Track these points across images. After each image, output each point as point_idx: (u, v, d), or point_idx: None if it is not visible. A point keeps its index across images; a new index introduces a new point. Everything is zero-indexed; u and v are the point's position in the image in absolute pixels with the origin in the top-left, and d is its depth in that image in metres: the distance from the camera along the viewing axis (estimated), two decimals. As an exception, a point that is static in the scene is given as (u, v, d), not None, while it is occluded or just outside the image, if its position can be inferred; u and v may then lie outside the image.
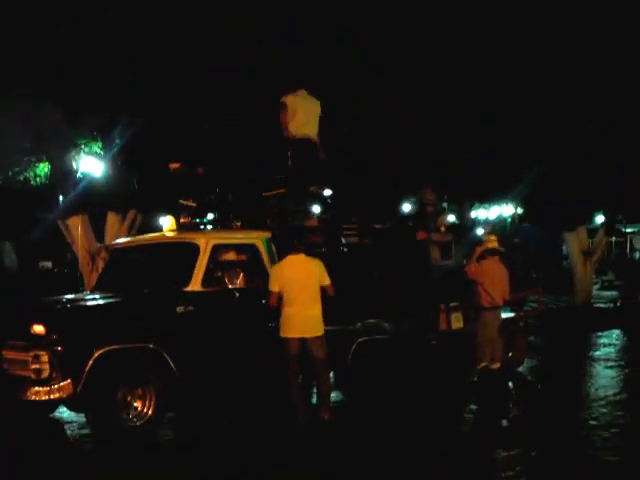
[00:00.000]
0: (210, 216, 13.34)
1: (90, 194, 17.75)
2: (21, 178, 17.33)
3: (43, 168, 17.41)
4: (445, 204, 28.64)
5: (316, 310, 10.90)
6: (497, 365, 13.81)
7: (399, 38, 18.60)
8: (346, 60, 17.65)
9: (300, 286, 10.80)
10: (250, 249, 11.68)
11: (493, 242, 13.85)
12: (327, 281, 10.99)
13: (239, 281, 11.50)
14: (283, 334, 10.84)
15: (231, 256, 11.60)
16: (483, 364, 13.64)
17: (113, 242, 14.84)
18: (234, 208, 13.00)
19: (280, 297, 10.84)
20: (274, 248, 11.70)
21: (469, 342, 13.91)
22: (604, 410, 11.94)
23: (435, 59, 19.25)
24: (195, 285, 10.87)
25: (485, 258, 13.71)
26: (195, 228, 12.64)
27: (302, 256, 11.03)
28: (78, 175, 17.32)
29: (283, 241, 11.37)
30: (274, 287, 10.84)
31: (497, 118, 21.08)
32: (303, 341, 10.83)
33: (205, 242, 11.19)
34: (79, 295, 13.02)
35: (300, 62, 15.91)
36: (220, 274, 11.32)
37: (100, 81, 15.70)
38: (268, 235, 11.79)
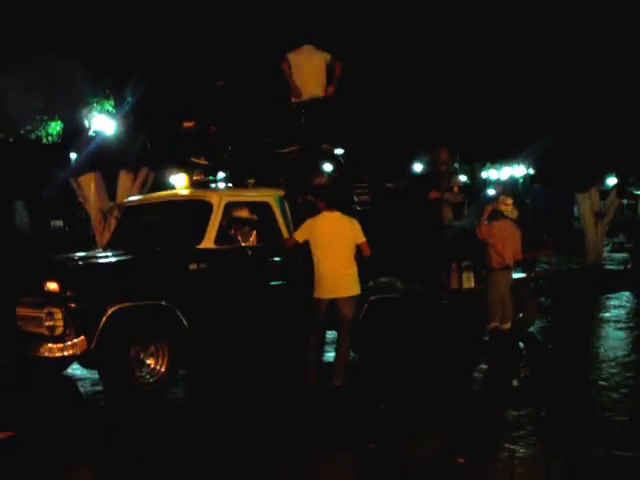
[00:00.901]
0: (222, 174, 13.35)
1: (102, 152, 17.75)
2: (33, 137, 17.33)
3: (55, 127, 17.41)
4: (457, 164, 28.52)
5: (351, 269, 10.77)
6: (508, 325, 13.90)
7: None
8: (358, 17, 17.58)
9: (334, 244, 10.67)
10: (263, 207, 11.65)
11: (508, 204, 13.87)
12: (362, 239, 10.82)
13: (252, 239, 11.49)
14: (315, 294, 10.74)
15: (244, 214, 11.57)
16: (493, 324, 13.71)
17: (125, 200, 14.83)
18: (247, 166, 12.99)
19: (297, 246, 10.82)
20: (287, 206, 11.68)
21: (480, 302, 13.98)
22: (613, 371, 11.94)
23: (449, 19, 19.17)
24: (208, 242, 10.87)
25: (497, 219, 13.73)
26: (208, 186, 12.64)
27: (337, 214, 10.87)
28: (90, 133, 17.30)
29: (326, 198, 11.17)
30: (299, 236, 10.81)
31: (510, 78, 20.98)
32: (333, 301, 10.74)
33: (218, 200, 11.17)
34: (92, 253, 13.04)
35: (310, 17, 15.86)
36: (233, 232, 11.31)
37: (112, 40, 15.65)
38: (281, 193, 11.76)
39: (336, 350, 11.16)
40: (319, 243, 10.69)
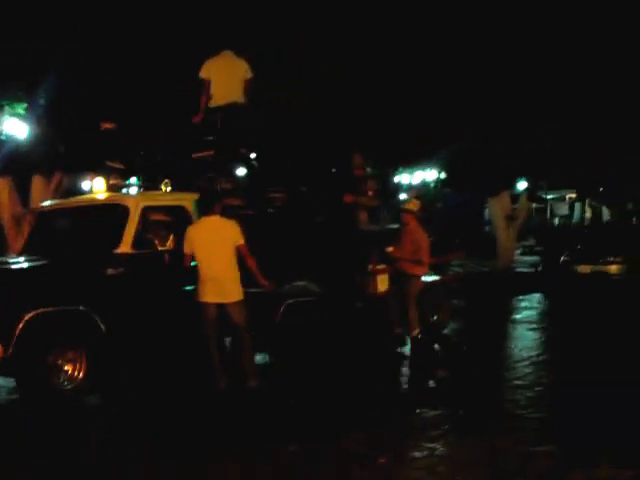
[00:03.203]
0: (133, 179, 13.29)
1: (14, 156, 17.46)
2: (-59, 141, 17.00)
3: (-35, 131, 17.08)
4: (369, 169, 28.70)
5: (232, 273, 10.73)
6: (416, 332, 14.00)
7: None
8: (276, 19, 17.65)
9: (213, 248, 10.62)
10: (180, 211, 11.62)
11: (414, 205, 14.02)
12: (241, 241, 10.71)
13: (169, 243, 11.43)
14: (200, 298, 10.72)
15: (161, 218, 11.53)
16: (416, 331, 13.86)
17: (40, 205, 14.64)
18: (163, 170, 12.95)
19: (192, 259, 10.75)
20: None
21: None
22: (528, 370, 12.19)
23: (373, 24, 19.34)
24: (125, 247, 10.81)
25: (403, 226, 13.88)
26: (124, 190, 12.56)
27: (216, 217, 10.84)
28: (1, 137, 17.00)
29: (201, 204, 11.26)
30: (186, 249, 10.72)
31: (421, 82, 21.19)
32: (221, 306, 10.73)
33: (135, 204, 11.14)
34: (7, 258, 12.87)
35: (228, 20, 15.87)
36: (150, 236, 11.25)
37: (24, 40, 15.44)
38: (197, 197, 11.74)
39: (239, 354, 11.09)
40: (200, 247, 10.67)
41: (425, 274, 14.12)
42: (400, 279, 14.00)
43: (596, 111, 22.93)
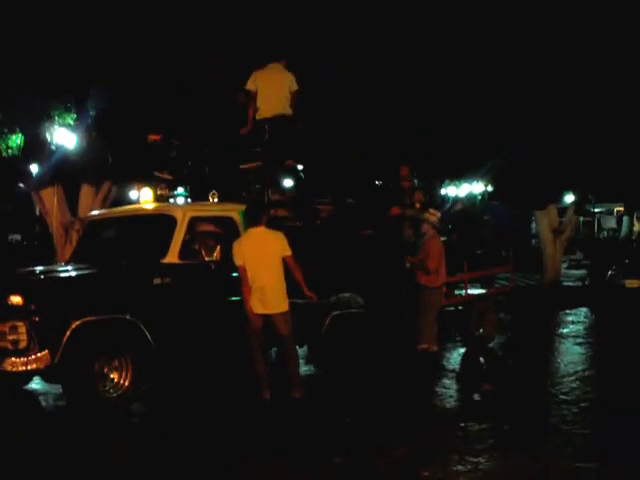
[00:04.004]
0: (181, 189, 13.39)
1: (64, 166, 17.65)
2: (-8, 150, 17.23)
3: (15, 140, 17.29)
4: (416, 181, 28.67)
5: (278, 284, 10.74)
6: (435, 348, 13.89)
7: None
8: (326, 34, 17.69)
9: (260, 260, 10.64)
10: (227, 222, 11.70)
11: (433, 215, 13.90)
12: (288, 252, 10.74)
13: (216, 254, 11.49)
14: (247, 309, 10.72)
15: (208, 228, 11.60)
16: (423, 346, 13.67)
17: (88, 214, 14.78)
18: (211, 181, 13.03)
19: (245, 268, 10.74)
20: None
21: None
22: (574, 385, 12.09)
23: (408, 34, 19.32)
24: (172, 257, 10.91)
25: (424, 238, 13.76)
26: (172, 200, 12.66)
27: (262, 229, 10.89)
28: (52, 147, 17.20)
29: (248, 215, 11.28)
30: (238, 261, 10.72)
31: (468, 95, 21.13)
32: (267, 317, 10.75)
33: (182, 214, 11.22)
34: (55, 267, 13.01)
35: (278, 34, 15.92)
36: (197, 247, 11.32)
37: (73, 52, 15.60)
38: (245, 208, 11.78)
39: (284, 364, 11.14)
40: (247, 260, 10.67)
41: (438, 287, 13.84)
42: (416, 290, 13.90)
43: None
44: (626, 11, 20.25)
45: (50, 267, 12.67)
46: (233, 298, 11.12)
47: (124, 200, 19.47)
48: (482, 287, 16.22)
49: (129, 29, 15.54)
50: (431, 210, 14.04)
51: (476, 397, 12.23)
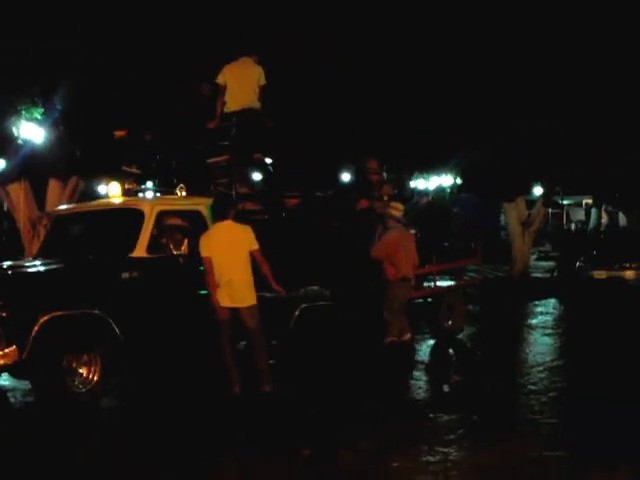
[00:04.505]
0: (149, 183, 13.35)
1: (31, 161, 17.53)
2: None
3: (-19, 135, 17.16)
4: (385, 174, 28.67)
5: (246, 278, 10.72)
6: (408, 336, 13.71)
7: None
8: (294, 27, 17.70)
9: (227, 253, 10.61)
10: (195, 215, 11.67)
11: (396, 209, 13.76)
12: (255, 246, 10.71)
13: (184, 247, 11.47)
14: (214, 302, 10.70)
15: (176, 222, 11.56)
16: (391, 338, 13.47)
17: (55, 209, 14.70)
18: (178, 175, 12.99)
19: (210, 261, 10.69)
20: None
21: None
22: (542, 375, 12.16)
23: (378, 27, 19.34)
24: (140, 251, 10.88)
25: (386, 230, 13.63)
26: (140, 194, 12.62)
27: (230, 222, 10.85)
28: (18, 141, 17.07)
29: (215, 208, 11.25)
30: (204, 252, 10.67)
31: (436, 88, 21.17)
32: (235, 310, 10.74)
33: (150, 208, 11.20)
34: (22, 262, 12.94)
35: (248, 29, 15.91)
36: (165, 240, 11.31)
37: (40, 45, 15.50)
38: (212, 202, 11.75)
39: (253, 358, 11.10)
40: (215, 253, 10.64)
41: (401, 280, 13.51)
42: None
43: (610, 114, 22.83)
44: (625, 11, 20.39)
45: (17, 262, 12.60)
46: (201, 292, 11.04)
47: (92, 194, 19.38)
48: (451, 279, 16.28)
49: (94, 16, 15.45)
50: (393, 204, 13.92)
51: (445, 388, 12.32)
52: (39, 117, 16.83)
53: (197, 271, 11.03)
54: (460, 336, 15.84)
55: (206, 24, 16.61)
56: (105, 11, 15.53)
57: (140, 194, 12.70)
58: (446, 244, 16.30)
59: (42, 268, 11.19)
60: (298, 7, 17.87)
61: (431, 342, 15.34)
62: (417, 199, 20.29)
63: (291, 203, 13.85)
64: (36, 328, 9.64)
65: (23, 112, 16.68)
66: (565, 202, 42.61)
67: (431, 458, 8.11)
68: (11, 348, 9.60)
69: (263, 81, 13.20)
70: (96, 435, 9.44)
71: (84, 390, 10.23)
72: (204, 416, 10.07)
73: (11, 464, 8.39)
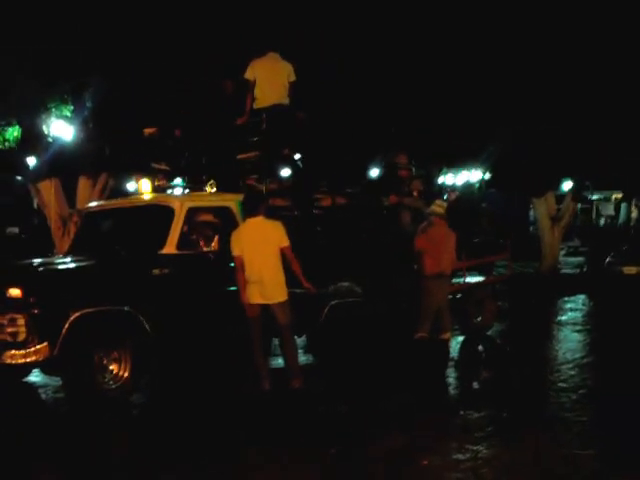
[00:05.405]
0: (178, 180, 13.38)
1: (61, 158, 17.63)
2: (-11, 143, 17.20)
3: (12, 132, 17.26)
4: (414, 169, 28.61)
5: (276, 274, 10.71)
6: (448, 335, 13.65)
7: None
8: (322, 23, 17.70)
9: (258, 250, 10.59)
10: (225, 212, 11.68)
11: (440, 207, 13.68)
12: (286, 242, 10.68)
13: (214, 244, 11.52)
14: (244, 299, 10.70)
15: (206, 219, 11.60)
16: (421, 334, 13.33)
17: (86, 206, 14.77)
18: (208, 171, 13.01)
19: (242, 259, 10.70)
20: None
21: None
22: (572, 372, 12.12)
23: (405, 22, 19.32)
24: (170, 248, 10.88)
25: (431, 225, 13.54)
26: (170, 191, 12.65)
27: (260, 219, 10.82)
28: (49, 139, 17.18)
29: (245, 205, 11.25)
30: (236, 251, 10.67)
31: (465, 83, 21.11)
32: (266, 307, 10.73)
33: (180, 205, 11.19)
34: (53, 259, 13.00)
35: (275, 24, 15.91)
36: (195, 237, 11.36)
37: (71, 44, 15.57)
38: (242, 198, 11.76)
39: (283, 354, 11.20)
40: (245, 250, 10.64)
41: (434, 275, 13.31)
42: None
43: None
44: (625, 10, 20.27)
45: (48, 259, 12.67)
46: (231, 288, 11.07)
47: (122, 191, 19.45)
48: (480, 275, 16.22)
49: (127, 22, 15.52)
50: (438, 202, 13.86)
51: (475, 385, 12.28)
52: (69, 115, 16.92)
53: (227, 267, 11.05)
54: (489, 332, 15.78)
55: (220, 23, 16.64)
56: (134, 10, 15.57)
57: (169, 191, 12.73)
58: (476, 240, 16.21)
59: (73, 265, 11.25)
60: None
61: (460, 338, 15.29)
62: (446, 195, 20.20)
63: (322, 199, 13.84)
64: (67, 325, 9.67)
65: (53, 110, 16.78)
66: (594, 197, 42.39)
67: (461, 456, 8.10)
68: (42, 345, 9.64)
69: (293, 77, 13.21)
70: (125, 432, 9.50)
71: (114, 386, 10.26)
72: (233, 412, 10.09)
73: (39, 459, 8.50)
